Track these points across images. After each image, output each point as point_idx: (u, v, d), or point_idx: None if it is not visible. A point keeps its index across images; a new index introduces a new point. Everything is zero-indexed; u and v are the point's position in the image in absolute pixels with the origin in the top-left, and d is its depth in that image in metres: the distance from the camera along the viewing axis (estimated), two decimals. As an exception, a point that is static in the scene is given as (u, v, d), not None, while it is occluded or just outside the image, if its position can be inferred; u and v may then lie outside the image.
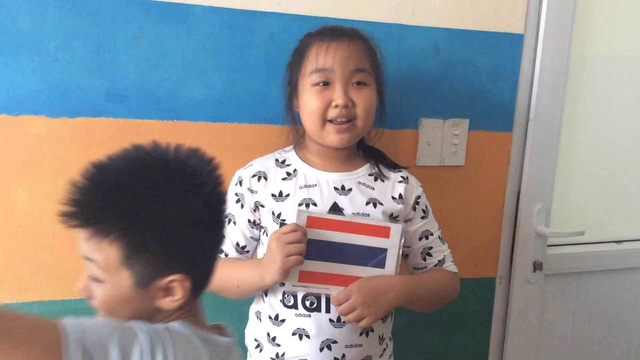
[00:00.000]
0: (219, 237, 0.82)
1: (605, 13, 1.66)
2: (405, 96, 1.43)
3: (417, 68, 1.42)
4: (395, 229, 1.10)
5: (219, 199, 0.79)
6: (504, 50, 1.49)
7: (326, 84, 1.10)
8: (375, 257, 1.11)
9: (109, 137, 1.25)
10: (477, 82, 1.48)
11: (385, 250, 1.11)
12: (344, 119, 1.10)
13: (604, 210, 1.81)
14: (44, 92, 1.20)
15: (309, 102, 1.10)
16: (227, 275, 1.11)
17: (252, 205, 1.15)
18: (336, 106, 1.09)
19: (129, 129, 1.25)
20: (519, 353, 1.69)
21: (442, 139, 1.48)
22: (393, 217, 1.16)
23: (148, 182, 0.72)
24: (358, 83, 1.11)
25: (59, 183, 1.23)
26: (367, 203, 1.14)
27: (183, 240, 0.74)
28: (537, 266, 1.63)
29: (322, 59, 1.09)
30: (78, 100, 1.22)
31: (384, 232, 1.10)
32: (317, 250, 1.08)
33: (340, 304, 1.08)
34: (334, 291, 1.10)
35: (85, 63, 1.21)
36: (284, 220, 1.11)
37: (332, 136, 1.11)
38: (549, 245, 1.67)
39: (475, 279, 1.61)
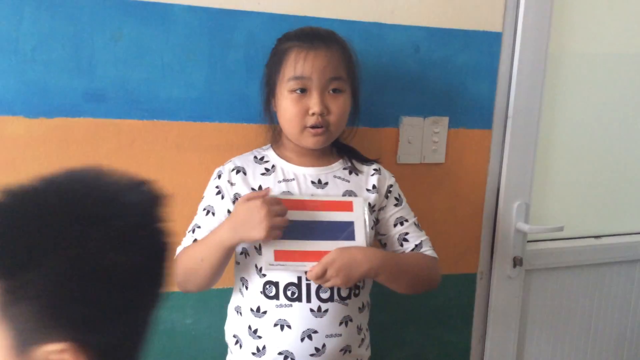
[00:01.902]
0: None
1: (582, 11, 1.68)
2: (386, 95, 1.44)
3: (397, 66, 1.43)
4: (357, 201, 1.16)
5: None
6: (482, 49, 1.51)
7: (303, 90, 1.13)
8: (344, 230, 1.15)
9: (88, 137, 1.24)
10: (457, 80, 1.50)
11: (352, 223, 1.15)
12: (319, 125, 1.14)
13: (582, 205, 1.83)
14: (21, 92, 1.19)
15: (287, 109, 1.14)
16: (191, 252, 1.13)
17: (232, 197, 1.17)
18: (312, 114, 1.13)
19: (109, 129, 1.25)
20: (500, 347, 1.72)
21: (423, 137, 1.49)
22: (370, 206, 1.19)
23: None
24: (334, 90, 1.15)
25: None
26: (344, 195, 1.18)
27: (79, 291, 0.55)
28: (517, 262, 1.64)
29: (300, 67, 1.12)
30: (56, 101, 1.21)
31: (347, 206, 1.15)
32: (288, 231, 1.11)
33: (317, 278, 1.09)
34: (310, 267, 1.12)
35: (63, 63, 1.20)
36: None
37: (309, 139, 1.16)
38: (528, 241, 1.69)
39: (457, 275, 1.62)
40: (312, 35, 1.16)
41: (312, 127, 1.14)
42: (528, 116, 1.58)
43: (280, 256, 1.11)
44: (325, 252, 1.12)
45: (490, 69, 1.52)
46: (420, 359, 1.64)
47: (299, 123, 1.14)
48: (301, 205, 1.13)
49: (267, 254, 1.11)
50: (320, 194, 1.17)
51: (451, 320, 1.65)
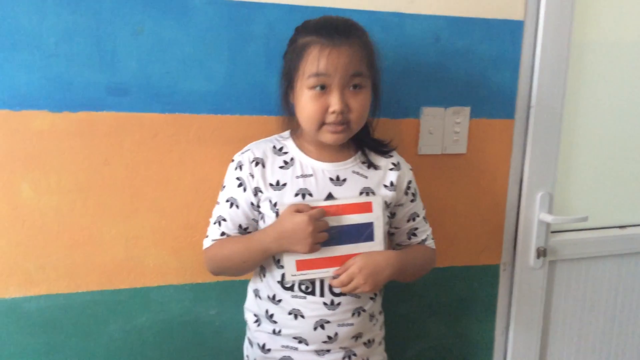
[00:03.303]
0: None
1: (605, -2, 1.66)
2: (406, 85, 1.43)
3: (417, 57, 1.42)
4: (376, 201, 1.16)
5: None
6: (504, 38, 1.49)
7: (323, 87, 1.10)
8: (364, 232, 1.16)
9: (111, 131, 1.26)
10: (478, 70, 1.48)
11: (371, 223, 1.16)
12: (340, 122, 1.12)
13: (606, 195, 1.80)
14: (45, 87, 1.20)
15: (306, 106, 1.12)
16: (230, 252, 1.17)
17: (253, 190, 1.17)
18: (333, 112, 1.10)
19: (132, 122, 1.26)
20: (523, 338, 1.70)
21: (444, 128, 1.48)
22: (386, 204, 1.20)
23: None
24: (355, 86, 1.12)
25: (63, 177, 1.24)
26: (361, 193, 1.18)
27: None
28: (540, 252, 1.63)
29: (322, 65, 1.08)
30: (80, 95, 1.22)
31: (367, 208, 1.16)
32: None
33: (343, 286, 1.14)
34: (333, 272, 1.15)
35: (85, 57, 1.21)
36: (279, 210, 1.14)
37: (328, 135, 1.14)
38: (552, 232, 1.67)
39: (480, 266, 1.62)
40: (332, 28, 1.11)
41: (332, 124, 1.12)
42: (551, 105, 1.56)
43: (302, 266, 1.14)
44: (346, 256, 1.15)
45: (512, 58, 1.51)
46: (443, 350, 1.64)
47: (318, 120, 1.12)
48: (328, 211, 1.14)
49: (289, 265, 1.13)
50: (338, 193, 1.16)
51: (474, 312, 1.65)
